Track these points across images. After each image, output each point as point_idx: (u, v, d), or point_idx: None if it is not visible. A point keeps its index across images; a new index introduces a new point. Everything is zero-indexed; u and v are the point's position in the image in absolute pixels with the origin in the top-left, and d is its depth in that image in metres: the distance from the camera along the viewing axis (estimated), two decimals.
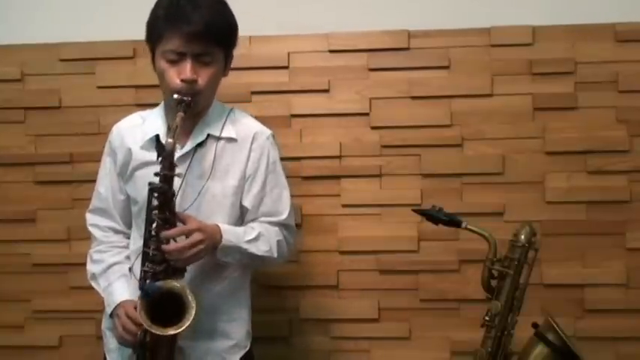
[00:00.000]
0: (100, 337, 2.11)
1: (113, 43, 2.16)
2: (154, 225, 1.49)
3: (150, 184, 1.49)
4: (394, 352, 2.11)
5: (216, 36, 1.54)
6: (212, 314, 1.61)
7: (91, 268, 1.69)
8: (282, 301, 2.00)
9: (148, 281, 1.48)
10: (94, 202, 1.74)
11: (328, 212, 2.10)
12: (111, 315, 1.60)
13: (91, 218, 1.74)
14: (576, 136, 2.06)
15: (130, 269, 1.63)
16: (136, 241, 1.63)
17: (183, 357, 1.58)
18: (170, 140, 1.46)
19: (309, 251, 2.09)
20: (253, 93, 2.07)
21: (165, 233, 1.47)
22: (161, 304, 1.45)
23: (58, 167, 2.17)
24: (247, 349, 1.69)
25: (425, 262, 2.10)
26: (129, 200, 1.68)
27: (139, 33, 2.09)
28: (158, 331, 1.42)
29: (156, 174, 1.47)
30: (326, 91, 2.13)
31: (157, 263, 1.48)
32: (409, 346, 2.10)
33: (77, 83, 2.17)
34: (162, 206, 1.48)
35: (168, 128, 1.57)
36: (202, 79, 1.53)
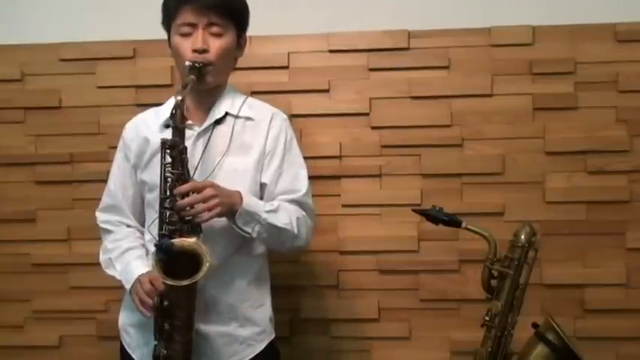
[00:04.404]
0: (101, 337, 2.14)
1: (113, 43, 2.16)
2: (168, 184, 1.51)
3: (161, 139, 1.52)
4: (394, 352, 2.11)
5: (227, 9, 1.60)
6: (240, 301, 1.63)
7: (105, 255, 1.69)
8: (282, 301, 2.00)
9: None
10: (104, 200, 1.76)
11: (328, 212, 2.10)
12: (130, 292, 1.60)
13: (101, 216, 1.75)
14: (576, 136, 2.06)
15: (147, 252, 1.65)
16: (150, 232, 1.65)
17: (211, 344, 1.59)
18: (179, 97, 1.50)
19: (309, 251, 2.09)
20: (253, 93, 2.07)
21: (177, 189, 1.49)
22: (177, 265, 1.44)
23: (58, 167, 2.17)
24: (273, 337, 1.71)
25: (425, 262, 2.10)
26: (139, 194, 1.70)
27: (139, 33, 2.12)
28: (173, 282, 1.41)
29: (166, 126, 1.52)
30: (326, 91, 2.13)
31: (173, 223, 1.49)
32: (409, 346, 2.10)
33: (77, 83, 2.17)
34: (174, 161, 1.50)
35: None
36: (213, 50, 1.59)
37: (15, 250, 2.19)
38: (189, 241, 1.48)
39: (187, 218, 1.49)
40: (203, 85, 1.60)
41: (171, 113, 1.52)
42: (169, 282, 1.42)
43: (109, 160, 1.80)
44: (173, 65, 2.01)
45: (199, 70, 1.57)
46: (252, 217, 1.56)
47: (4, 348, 2.18)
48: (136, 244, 1.68)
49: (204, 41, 1.58)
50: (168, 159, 1.51)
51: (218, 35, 1.60)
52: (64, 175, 2.17)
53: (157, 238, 1.51)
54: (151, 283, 1.52)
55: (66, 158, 2.17)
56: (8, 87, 2.19)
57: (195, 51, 1.57)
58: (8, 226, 2.19)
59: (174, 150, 1.51)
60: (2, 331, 2.19)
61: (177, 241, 1.47)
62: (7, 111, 2.19)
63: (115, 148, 1.78)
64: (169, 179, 1.51)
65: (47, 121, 2.18)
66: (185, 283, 1.42)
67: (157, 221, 1.54)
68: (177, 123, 1.51)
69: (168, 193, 1.51)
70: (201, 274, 1.43)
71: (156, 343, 1.51)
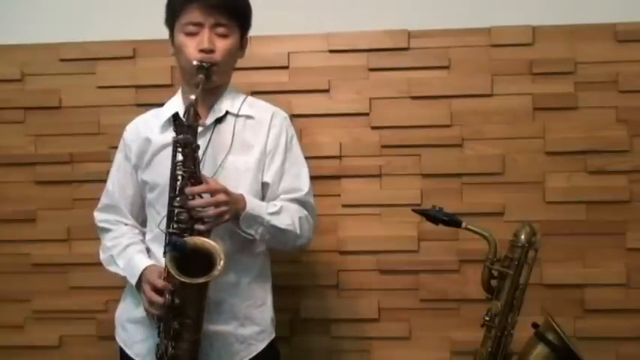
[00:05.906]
0: (101, 337, 2.13)
1: (113, 43, 2.16)
2: (179, 182, 1.50)
3: (173, 137, 1.52)
4: (394, 352, 2.11)
5: (233, 9, 1.62)
6: (242, 300, 1.63)
7: (106, 253, 1.69)
8: (283, 301, 2.00)
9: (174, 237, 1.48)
10: (102, 200, 1.76)
11: (328, 212, 2.09)
12: (137, 287, 1.60)
13: (99, 215, 1.75)
14: (576, 136, 2.06)
15: (149, 250, 1.65)
16: (152, 231, 1.65)
17: (212, 343, 1.59)
18: (193, 97, 1.51)
19: (309, 251, 2.09)
20: (253, 93, 2.06)
21: (190, 189, 1.49)
22: (188, 263, 1.43)
23: (58, 167, 2.17)
24: (273, 336, 1.71)
25: (425, 262, 2.10)
26: (139, 194, 1.70)
27: (139, 33, 2.12)
28: (188, 279, 1.40)
29: (178, 126, 1.51)
30: (326, 91, 2.13)
31: (182, 222, 1.49)
32: (409, 346, 2.10)
33: (77, 83, 2.17)
34: (185, 159, 1.50)
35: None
36: (219, 50, 1.60)
37: (15, 250, 2.19)
38: (202, 238, 1.48)
39: (196, 218, 1.49)
40: (208, 85, 1.60)
41: (185, 112, 1.52)
42: (184, 279, 1.41)
43: (109, 160, 1.80)
44: (173, 65, 2.03)
45: (207, 70, 1.57)
46: (255, 220, 1.57)
47: (4, 348, 2.18)
48: (135, 239, 1.69)
49: (210, 41, 1.58)
50: (180, 157, 1.51)
51: (224, 36, 1.61)
52: (64, 175, 2.17)
53: (168, 236, 1.50)
54: (154, 286, 1.52)
55: (66, 158, 2.17)
56: (8, 87, 2.19)
57: (202, 51, 1.58)
58: (8, 226, 2.19)
59: (187, 148, 1.50)
60: (2, 331, 2.19)
61: (190, 238, 1.47)
62: (7, 111, 2.19)
63: (115, 148, 1.78)
64: (180, 177, 1.50)
65: (47, 121, 2.18)
66: (201, 280, 1.42)
67: (165, 219, 1.54)
68: (190, 121, 1.51)
69: (178, 192, 1.51)
70: (216, 272, 1.43)
71: (159, 342, 1.51)
